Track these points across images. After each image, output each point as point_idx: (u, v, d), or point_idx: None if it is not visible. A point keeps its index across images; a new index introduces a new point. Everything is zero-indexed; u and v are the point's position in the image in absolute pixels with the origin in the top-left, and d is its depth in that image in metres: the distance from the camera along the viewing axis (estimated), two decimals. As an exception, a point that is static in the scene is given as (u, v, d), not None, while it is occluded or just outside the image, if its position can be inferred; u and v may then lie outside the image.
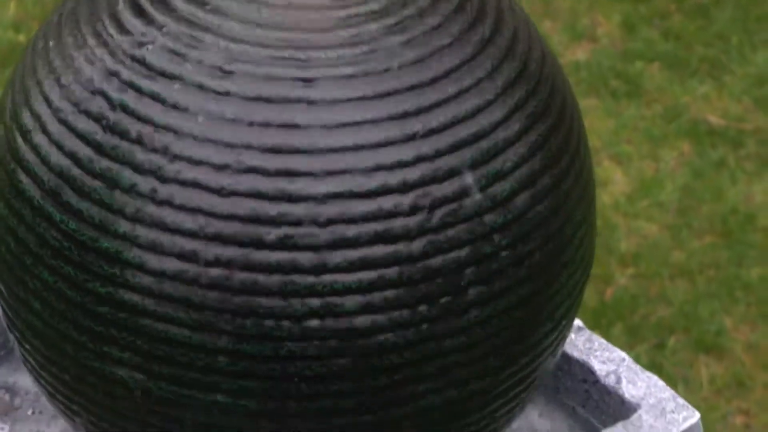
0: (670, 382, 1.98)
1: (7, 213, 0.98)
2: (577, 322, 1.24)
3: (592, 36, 2.68)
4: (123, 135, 0.92)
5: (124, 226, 0.92)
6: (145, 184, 0.91)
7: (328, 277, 0.91)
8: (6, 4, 2.59)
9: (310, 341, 0.92)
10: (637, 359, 2.02)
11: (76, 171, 0.93)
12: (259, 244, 0.90)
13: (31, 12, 2.59)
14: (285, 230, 0.90)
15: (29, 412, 1.24)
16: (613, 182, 2.42)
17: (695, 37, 2.68)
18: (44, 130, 0.95)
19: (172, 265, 0.91)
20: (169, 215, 0.91)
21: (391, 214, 0.91)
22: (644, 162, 2.47)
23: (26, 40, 2.49)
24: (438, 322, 0.93)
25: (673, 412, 1.17)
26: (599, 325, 2.10)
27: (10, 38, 2.52)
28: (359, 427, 0.95)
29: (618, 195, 2.39)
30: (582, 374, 1.22)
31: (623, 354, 1.21)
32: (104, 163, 0.92)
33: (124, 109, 0.92)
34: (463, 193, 0.92)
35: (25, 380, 1.26)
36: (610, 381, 1.20)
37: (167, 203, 0.91)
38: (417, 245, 0.92)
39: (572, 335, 1.23)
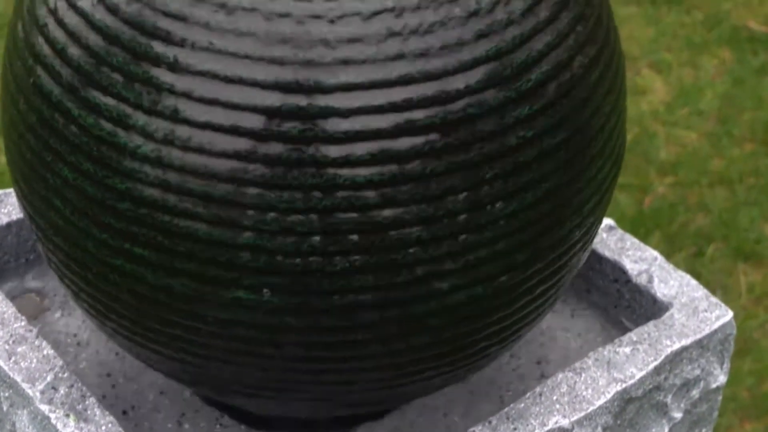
0: (709, 290, 1.96)
1: (27, 109, 0.97)
2: (609, 221, 1.22)
3: (631, -59, 2.63)
4: (139, 26, 0.90)
5: (141, 120, 0.90)
6: (162, 76, 0.90)
7: (349, 171, 0.89)
8: None
9: (332, 236, 0.90)
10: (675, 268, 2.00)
11: (92, 64, 0.92)
12: (280, 136, 0.89)
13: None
14: (306, 122, 0.88)
15: (58, 315, 1.23)
16: (652, 91, 2.38)
17: (737, -59, 2.62)
18: (61, 23, 0.94)
19: (191, 158, 0.90)
20: (187, 108, 0.89)
21: (414, 105, 0.89)
22: (684, 70, 2.43)
23: None
24: (461, 216, 0.92)
25: (705, 311, 1.15)
26: (637, 233, 2.08)
27: None
28: (383, 323, 0.94)
29: (657, 103, 2.35)
30: (614, 274, 1.20)
31: (655, 253, 1.19)
32: (121, 56, 0.91)
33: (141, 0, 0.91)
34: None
35: (54, 283, 1.25)
36: (642, 280, 1.18)
37: (185, 95, 0.89)
38: (439, 137, 0.90)
39: (604, 234, 1.21)
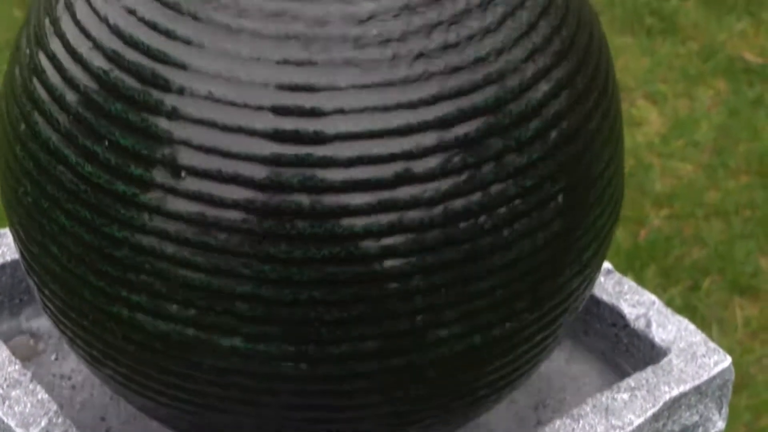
0: (705, 324, 1.96)
1: (24, 156, 0.96)
2: (607, 264, 1.22)
3: (626, -27, 2.64)
4: (138, 74, 0.90)
5: (139, 168, 0.90)
6: (161, 124, 0.89)
7: (348, 221, 0.89)
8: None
9: (330, 286, 0.90)
10: (671, 301, 1.99)
11: (90, 112, 0.91)
12: (278, 186, 0.88)
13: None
14: (305, 171, 0.88)
15: (53, 357, 1.23)
16: (647, 122, 2.38)
17: (732, -28, 2.63)
18: (59, 70, 0.93)
19: (189, 207, 0.89)
20: (185, 156, 0.89)
21: (413, 155, 0.89)
22: (679, 101, 2.43)
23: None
24: (460, 265, 0.91)
25: (704, 356, 1.14)
26: (633, 267, 2.08)
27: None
28: (381, 372, 0.93)
29: (652, 135, 2.35)
30: (611, 318, 1.20)
31: (653, 297, 1.19)
32: (119, 105, 0.90)
33: (139, 47, 0.90)
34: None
35: (48, 324, 1.24)
36: (640, 325, 1.18)
37: (183, 144, 0.89)
38: (439, 187, 0.89)
39: (601, 278, 1.21)
